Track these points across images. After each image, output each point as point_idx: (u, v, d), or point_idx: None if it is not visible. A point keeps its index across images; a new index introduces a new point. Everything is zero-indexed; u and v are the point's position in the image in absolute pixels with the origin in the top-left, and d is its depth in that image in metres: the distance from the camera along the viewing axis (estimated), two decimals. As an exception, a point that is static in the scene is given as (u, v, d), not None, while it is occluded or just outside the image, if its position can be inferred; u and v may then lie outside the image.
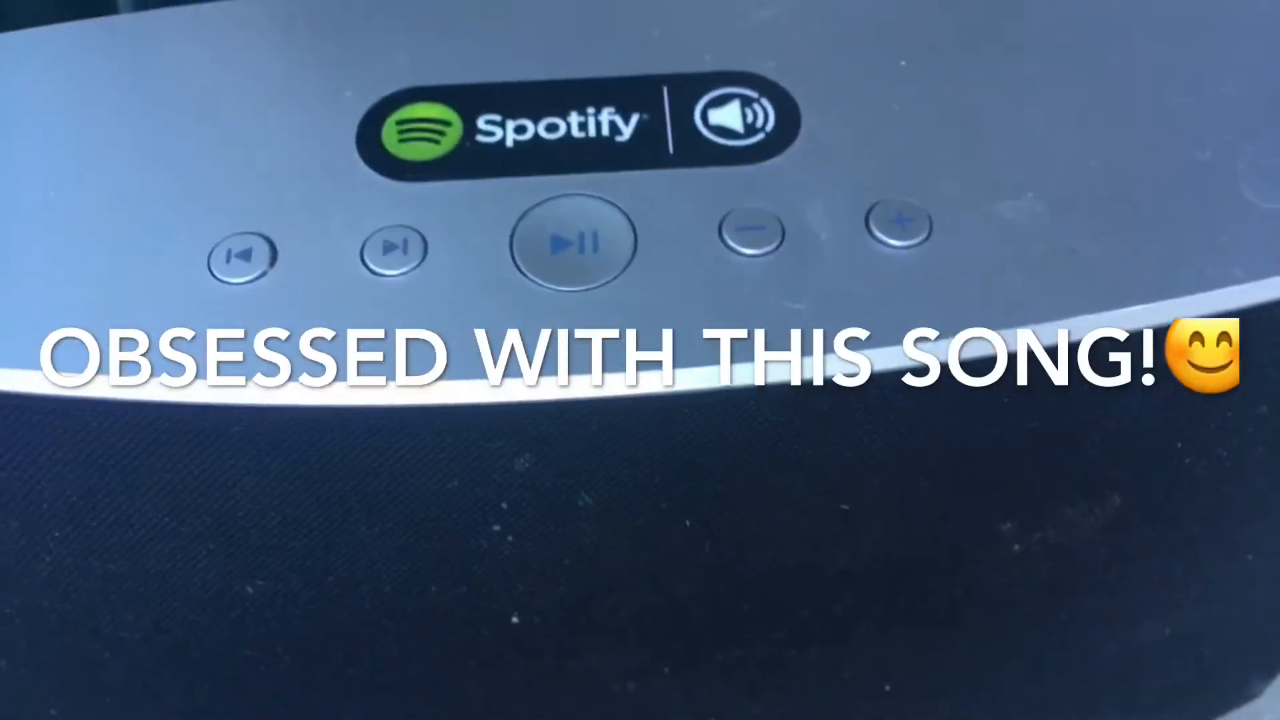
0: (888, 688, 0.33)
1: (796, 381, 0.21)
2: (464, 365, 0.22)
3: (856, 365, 0.22)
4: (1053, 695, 0.35)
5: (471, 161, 0.24)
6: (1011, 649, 0.33)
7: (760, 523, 0.25)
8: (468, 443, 0.22)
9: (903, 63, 0.26)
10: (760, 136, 0.25)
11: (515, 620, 0.28)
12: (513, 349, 0.22)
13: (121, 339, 0.22)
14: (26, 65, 0.27)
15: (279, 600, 0.27)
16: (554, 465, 0.23)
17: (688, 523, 0.25)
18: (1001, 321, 0.22)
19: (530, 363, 0.22)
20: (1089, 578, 0.30)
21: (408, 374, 0.22)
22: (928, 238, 0.23)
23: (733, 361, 0.22)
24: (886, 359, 0.22)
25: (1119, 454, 0.25)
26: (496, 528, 0.25)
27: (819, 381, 0.22)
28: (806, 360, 0.22)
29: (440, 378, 0.22)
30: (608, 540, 0.25)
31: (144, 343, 0.22)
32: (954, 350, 0.22)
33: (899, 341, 0.22)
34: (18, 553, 0.26)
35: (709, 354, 0.22)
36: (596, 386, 0.22)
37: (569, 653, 0.29)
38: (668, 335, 0.22)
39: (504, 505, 0.24)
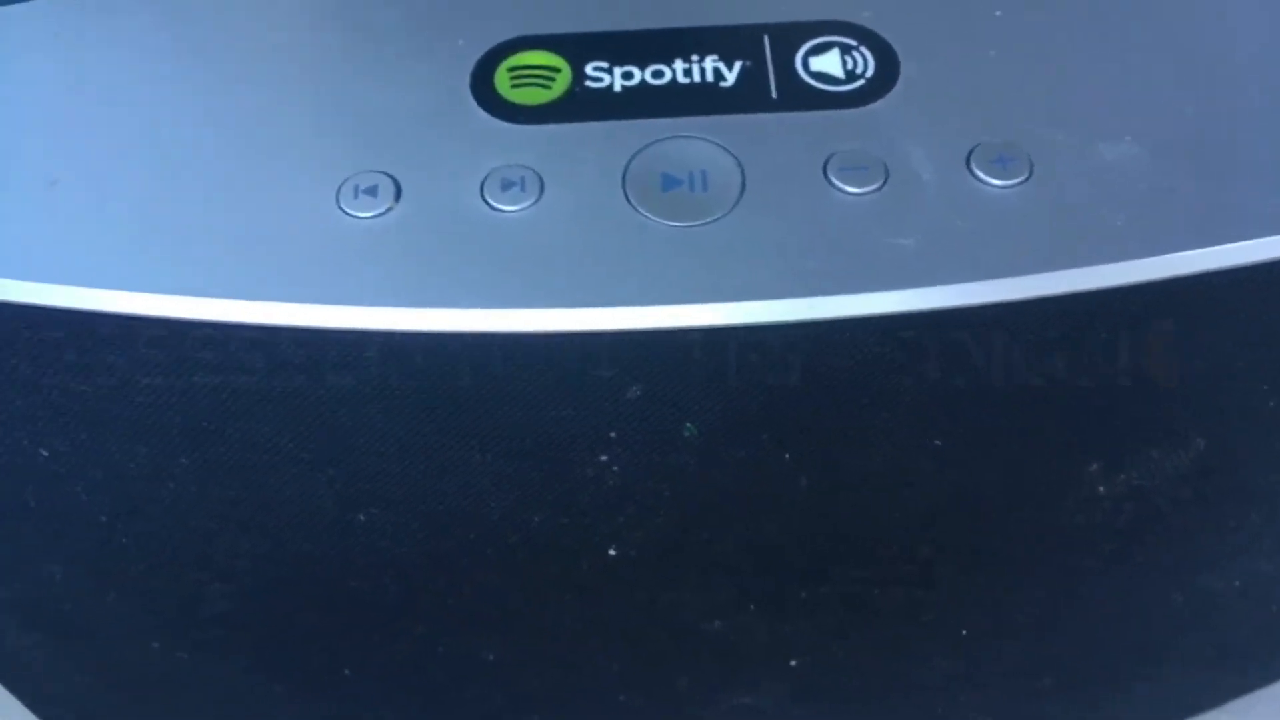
0: (964, 631, 0.34)
1: (901, 312, 0.22)
2: (581, 296, 0.23)
3: (961, 299, 0.23)
4: (1117, 641, 0.36)
5: (582, 105, 0.25)
6: (1085, 594, 0.33)
7: (856, 456, 0.26)
8: (581, 371, 0.23)
9: (998, 12, 0.27)
10: (861, 82, 0.25)
11: (612, 552, 0.29)
12: (626, 280, 0.23)
13: (254, 268, 0.23)
14: (147, 13, 0.28)
15: (389, 529, 0.28)
16: (663, 395, 0.24)
17: (786, 455, 0.26)
18: (1102, 258, 0.23)
19: (642, 293, 0.23)
20: (1166, 522, 0.31)
21: (527, 304, 0.23)
22: (1028, 178, 0.24)
23: (838, 294, 0.23)
24: (990, 293, 0.23)
25: (1207, 395, 0.26)
26: (603, 457, 0.26)
27: (919, 314, 0.23)
28: (911, 293, 0.22)
29: (557, 306, 0.23)
30: (708, 471, 0.26)
31: (276, 271, 0.23)
32: (1055, 285, 0.22)
33: (1002, 276, 0.22)
34: (143, 479, 0.27)
35: (816, 286, 0.23)
36: (706, 316, 0.23)
37: (661, 587, 0.30)
38: (777, 268, 0.23)
39: (612, 435, 0.25)
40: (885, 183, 0.24)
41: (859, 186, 0.24)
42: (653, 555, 0.29)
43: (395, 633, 0.33)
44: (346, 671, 0.35)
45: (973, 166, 0.24)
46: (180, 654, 0.36)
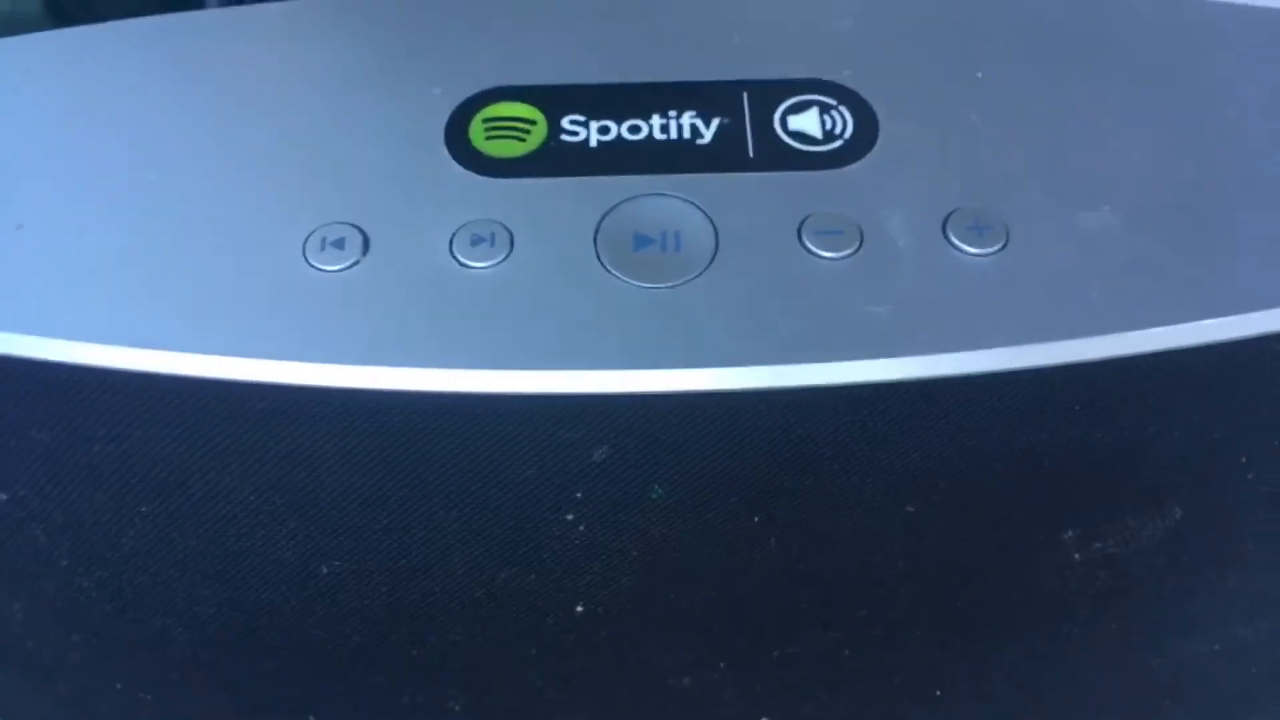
0: (938, 692, 0.34)
1: (874, 381, 0.22)
2: (547, 356, 0.22)
3: (933, 370, 0.22)
4: (1096, 707, 0.36)
5: (556, 159, 0.25)
6: (1060, 659, 0.33)
7: (826, 522, 0.26)
8: (548, 432, 0.23)
9: (979, 74, 0.26)
10: (839, 143, 0.25)
11: (580, 610, 0.28)
12: (595, 342, 0.23)
13: (218, 321, 0.23)
14: (120, 57, 0.28)
15: (352, 581, 0.28)
16: (629, 457, 0.24)
17: (755, 519, 0.25)
18: (1078, 331, 0.22)
19: (611, 356, 0.22)
20: (1143, 589, 0.31)
21: (493, 363, 0.22)
22: (1005, 246, 0.23)
23: (810, 362, 0.22)
24: (963, 364, 0.22)
25: (1185, 465, 0.26)
26: (570, 516, 0.25)
27: (894, 384, 0.22)
28: (885, 362, 0.22)
29: (524, 368, 0.22)
30: (676, 533, 0.26)
31: (240, 324, 0.23)
32: (1030, 358, 0.22)
33: (976, 348, 0.22)
34: (105, 526, 0.27)
35: (788, 353, 0.22)
36: (676, 382, 0.22)
37: (629, 644, 0.30)
38: (749, 334, 0.22)
39: (578, 495, 0.25)
40: (860, 247, 0.23)
41: (834, 251, 0.23)
42: (621, 612, 0.29)
43: (358, 682, 0.32)
44: (311, 718, 0.35)
45: (949, 233, 0.23)
46: (144, 695, 0.35)
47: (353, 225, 0.24)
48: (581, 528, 0.26)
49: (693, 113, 0.26)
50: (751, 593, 0.28)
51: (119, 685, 0.35)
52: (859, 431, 0.23)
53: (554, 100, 0.26)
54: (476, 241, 0.24)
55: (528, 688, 0.32)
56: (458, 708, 0.33)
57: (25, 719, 0.41)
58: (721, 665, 0.31)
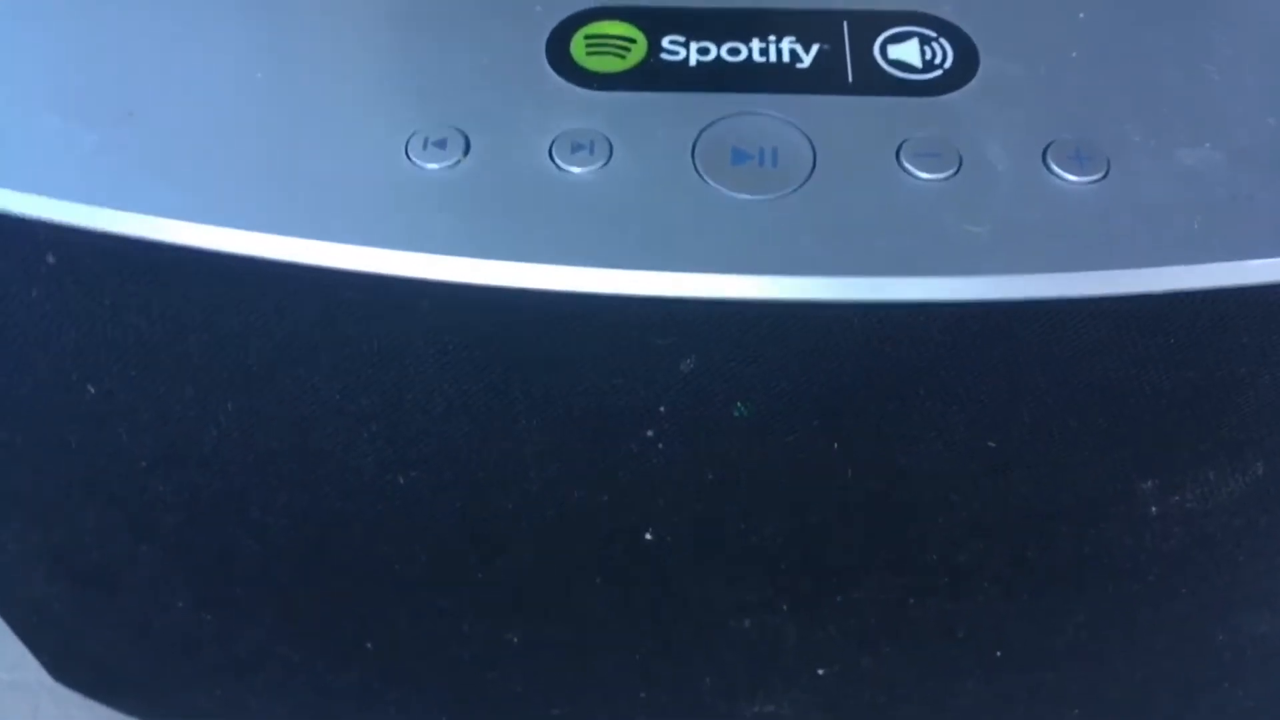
0: (998, 653, 0.33)
1: (971, 300, 0.22)
2: (643, 259, 0.23)
3: (1029, 291, 0.22)
4: (1152, 677, 0.35)
5: (656, 76, 0.25)
6: (1125, 623, 0.33)
7: (905, 453, 0.25)
8: (638, 337, 0.23)
9: (1081, 14, 0.26)
10: (938, 73, 0.25)
11: (648, 537, 0.28)
12: (691, 247, 0.23)
13: (318, 208, 0.23)
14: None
15: (428, 494, 0.28)
16: (717, 368, 0.24)
17: (835, 445, 0.25)
18: (1176, 259, 0.22)
19: (706, 261, 0.23)
20: (1217, 553, 0.30)
21: (589, 263, 0.23)
22: (1105, 175, 0.23)
23: (906, 275, 0.22)
24: (1060, 286, 0.22)
25: (1273, 416, 0.25)
26: (650, 433, 0.25)
27: (990, 303, 0.22)
28: (981, 281, 0.22)
29: (619, 267, 0.23)
30: (754, 456, 0.26)
31: (341, 214, 0.23)
32: (1128, 284, 0.22)
33: (1073, 270, 0.22)
34: (187, 423, 0.27)
35: (883, 266, 0.22)
36: (770, 289, 0.22)
37: (693, 578, 0.30)
38: (844, 246, 0.22)
39: (662, 409, 0.25)
40: (958, 170, 0.23)
41: (932, 172, 0.23)
42: (689, 543, 0.29)
43: (421, 607, 0.32)
44: (369, 645, 0.35)
45: (1049, 160, 0.23)
46: (205, 614, 0.36)
47: (454, 128, 0.24)
48: (661, 445, 0.26)
49: (792, 38, 0.26)
50: (822, 528, 0.28)
51: (181, 604, 0.36)
52: (949, 351, 0.23)
53: (655, 20, 0.26)
54: (576, 148, 0.24)
55: (587, 621, 0.32)
56: (516, 639, 0.33)
57: (82, 635, 0.41)
58: (784, 608, 0.31)
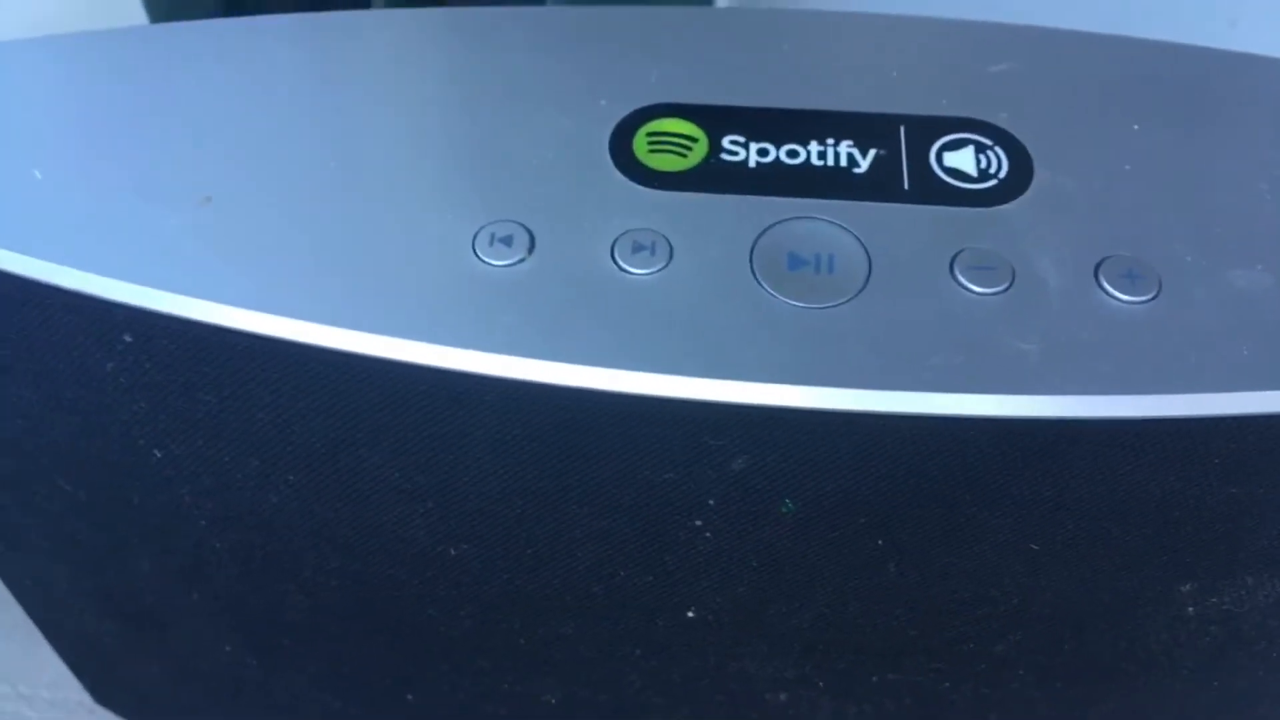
0: (1029, 734, 0.34)
1: (1021, 417, 0.22)
2: (700, 364, 0.23)
3: (1078, 411, 0.23)
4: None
5: (716, 176, 0.26)
6: (1158, 712, 0.33)
7: (948, 552, 0.26)
8: (692, 437, 0.24)
9: (1135, 126, 0.27)
10: (993, 182, 0.26)
11: (690, 614, 0.29)
12: (747, 355, 0.23)
13: (389, 303, 0.24)
14: (299, 46, 0.29)
15: (476, 565, 0.29)
16: (766, 469, 0.24)
17: (879, 542, 0.26)
18: (1227, 385, 0.23)
19: (761, 370, 0.23)
20: (1251, 650, 0.30)
21: (648, 366, 0.23)
22: (1157, 296, 0.24)
23: (956, 392, 0.23)
24: (1109, 408, 0.23)
25: (1313, 529, 0.26)
26: (698, 522, 0.26)
27: (1038, 420, 0.23)
28: (1031, 399, 0.23)
29: (677, 373, 0.23)
30: (799, 547, 0.26)
31: (409, 310, 0.24)
32: (1177, 408, 0.22)
33: (1123, 393, 0.22)
34: (250, 491, 0.28)
35: (934, 382, 0.23)
36: (821, 400, 0.23)
37: (732, 654, 0.30)
38: (898, 359, 0.23)
39: (711, 502, 0.25)
40: (1011, 285, 0.24)
41: (985, 286, 0.24)
42: (730, 621, 0.29)
43: (463, 664, 0.33)
44: (409, 697, 0.36)
45: (1101, 279, 0.24)
46: (250, 659, 0.37)
47: (520, 224, 0.25)
48: (708, 534, 0.26)
49: (849, 142, 0.26)
50: (862, 614, 0.29)
51: (228, 647, 0.37)
52: (996, 465, 0.23)
53: (716, 119, 0.27)
54: (638, 249, 0.25)
55: (625, 688, 0.33)
56: (554, 700, 0.34)
57: (130, 672, 0.42)
58: (820, 684, 0.32)
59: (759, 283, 0.24)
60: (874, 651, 0.30)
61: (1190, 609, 0.28)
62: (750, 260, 0.25)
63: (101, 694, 0.48)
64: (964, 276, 0.24)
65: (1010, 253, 0.24)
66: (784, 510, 0.25)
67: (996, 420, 0.23)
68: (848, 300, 0.24)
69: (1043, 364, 0.23)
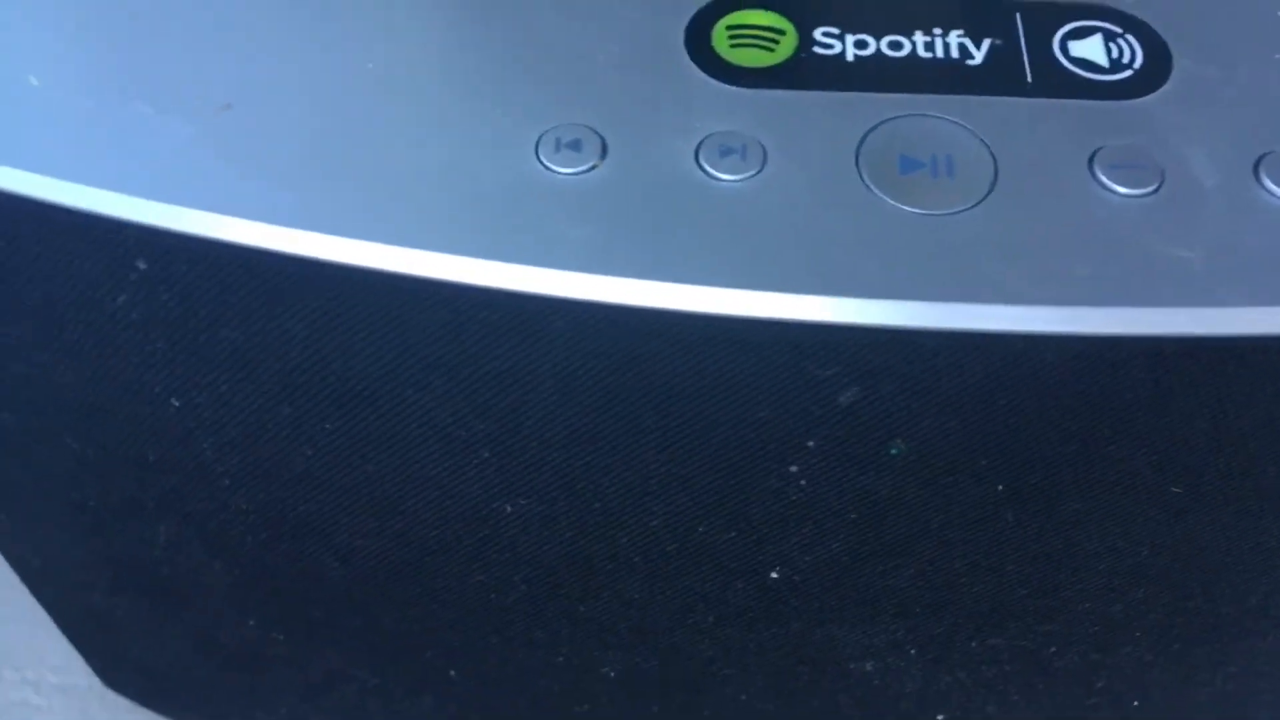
0: (1136, 703, 0.31)
1: (1186, 335, 0.19)
2: (805, 279, 0.20)
3: (1246, 326, 0.20)
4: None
5: (810, 72, 0.23)
6: (1265, 674, 0.30)
7: (1079, 497, 0.23)
8: (795, 366, 0.21)
9: (1279, 11, 0.24)
10: (1128, 73, 0.22)
11: (774, 576, 0.26)
12: (858, 267, 0.20)
13: (441, 217, 0.21)
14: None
15: (535, 524, 0.25)
16: (882, 403, 0.21)
17: (1000, 487, 0.23)
18: None
19: (876, 284, 0.20)
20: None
21: (743, 282, 0.20)
22: (1328, 194, 0.21)
23: (1110, 305, 0.20)
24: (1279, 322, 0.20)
25: None
26: (794, 468, 0.23)
27: (1202, 338, 0.20)
28: (1193, 313, 0.19)
29: (778, 289, 0.20)
30: (907, 497, 0.23)
31: (465, 224, 0.21)
32: (1363, 319, 0.19)
33: (1300, 302, 0.19)
34: (282, 442, 0.25)
35: (1081, 296, 0.20)
36: (949, 318, 0.20)
37: (818, 619, 0.27)
38: (1036, 270, 0.20)
39: (810, 443, 0.22)
40: (1161, 185, 0.21)
41: (1132, 187, 0.21)
42: (818, 584, 0.26)
43: (515, 636, 0.30)
44: (452, 673, 0.33)
45: (1262, 176, 0.21)
46: (277, 633, 0.34)
47: (589, 128, 0.22)
48: (803, 482, 0.23)
49: (960, 31, 0.23)
50: (969, 572, 0.25)
51: (252, 621, 0.34)
52: (1149, 392, 0.20)
53: (805, 9, 0.24)
54: (726, 153, 0.21)
55: (694, 659, 0.30)
56: (613, 673, 0.31)
57: (138, 644, 0.39)
58: (912, 652, 0.28)
59: (869, 188, 0.21)
60: (977, 613, 0.27)
61: (1338, 559, 0.25)
62: (857, 163, 0.21)
63: (111, 677, 0.45)
64: (1106, 176, 0.21)
65: (1157, 149, 0.21)
66: (893, 452, 0.22)
67: (1156, 339, 0.20)
68: (974, 205, 0.21)
69: (1205, 273, 0.20)
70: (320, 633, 0.32)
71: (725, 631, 0.28)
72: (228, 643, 0.36)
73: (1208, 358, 0.20)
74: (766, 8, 0.24)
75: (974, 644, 0.28)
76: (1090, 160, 0.21)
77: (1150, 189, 0.21)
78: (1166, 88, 0.22)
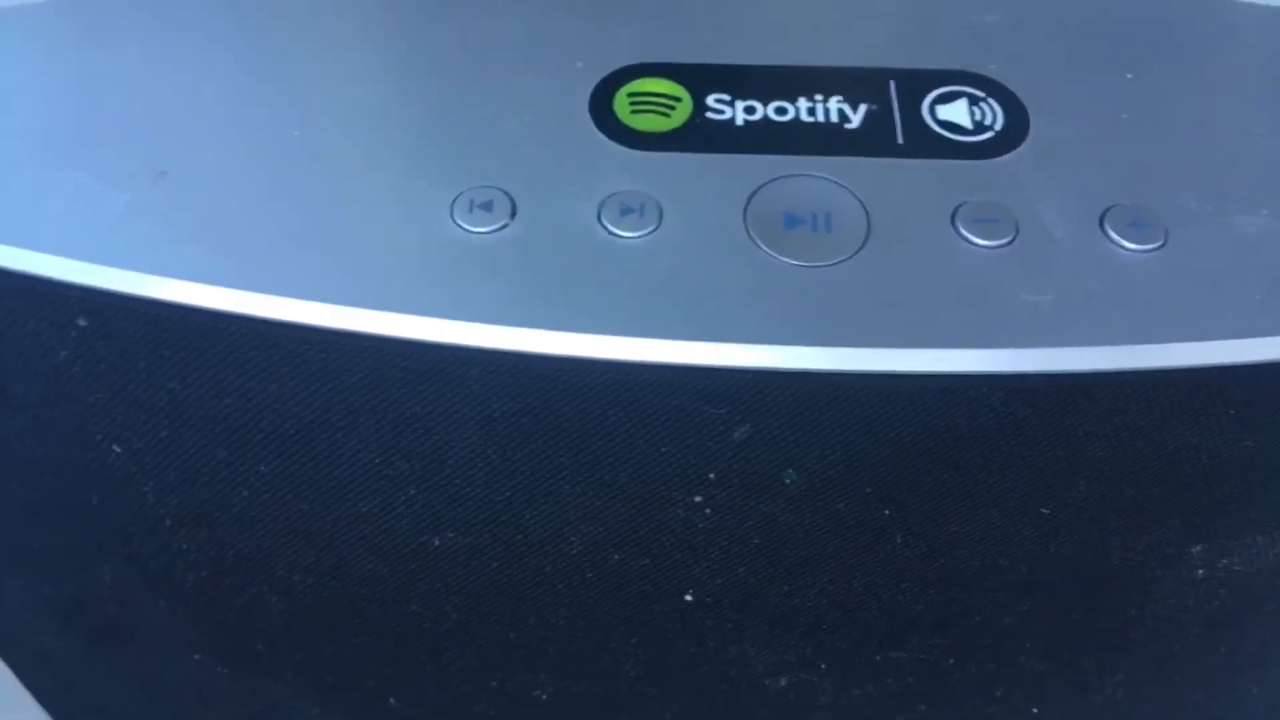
0: (1035, 710, 0.33)
1: (1036, 372, 0.21)
2: (697, 327, 0.22)
3: (1092, 363, 0.22)
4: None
5: (703, 136, 0.25)
6: (1164, 679, 0.32)
7: (957, 520, 0.25)
8: (691, 407, 0.23)
9: (1129, 75, 0.26)
10: (990, 134, 0.25)
11: (689, 599, 0.28)
12: (746, 316, 0.22)
13: (362, 274, 0.23)
14: (265, 13, 0.28)
15: (462, 555, 0.27)
16: (771, 437, 0.23)
17: (886, 511, 0.25)
18: (1241, 331, 0.22)
19: (762, 331, 0.22)
20: (1258, 613, 0.30)
21: (642, 333, 0.22)
22: (1164, 244, 0.23)
23: (967, 347, 0.22)
24: (1122, 360, 0.22)
25: (1325, 482, 0.25)
26: (698, 498, 0.25)
27: (1052, 375, 0.22)
28: (1043, 353, 0.22)
29: (673, 337, 0.22)
30: (803, 521, 0.25)
31: (385, 280, 0.22)
32: (1193, 356, 0.22)
33: (1139, 342, 0.22)
34: (219, 485, 0.26)
35: (943, 338, 0.22)
36: (828, 360, 0.22)
37: (732, 639, 0.29)
38: (903, 316, 0.22)
39: (710, 476, 0.24)
40: (1016, 237, 0.23)
41: (989, 239, 0.23)
42: (730, 604, 0.28)
43: (449, 662, 0.32)
44: (391, 701, 0.34)
45: (1107, 228, 0.23)
46: (221, 669, 0.35)
47: (500, 189, 0.24)
48: (708, 511, 0.25)
49: (839, 97, 0.25)
50: (867, 590, 0.27)
51: (197, 656, 0.35)
52: (1009, 424, 0.23)
53: (699, 78, 0.26)
54: (626, 211, 0.23)
55: (620, 679, 0.31)
56: (545, 696, 0.32)
57: (92, 688, 0.40)
58: (822, 667, 0.30)
59: (755, 242, 0.23)
60: (878, 629, 0.29)
61: (1200, 571, 0.27)
62: (744, 220, 0.23)
63: (61, 714, 0.46)
64: (967, 230, 0.23)
65: (1013, 204, 0.24)
66: (788, 482, 0.24)
67: (1010, 376, 0.22)
68: (848, 257, 0.23)
69: (1054, 316, 0.22)
70: (263, 666, 0.34)
71: (647, 652, 0.30)
72: (174, 678, 0.37)
73: (1060, 392, 0.22)
74: (665, 76, 0.26)
75: (878, 658, 0.30)
76: (953, 215, 0.23)
77: (1006, 240, 0.23)
78: (1023, 147, 0.25)
